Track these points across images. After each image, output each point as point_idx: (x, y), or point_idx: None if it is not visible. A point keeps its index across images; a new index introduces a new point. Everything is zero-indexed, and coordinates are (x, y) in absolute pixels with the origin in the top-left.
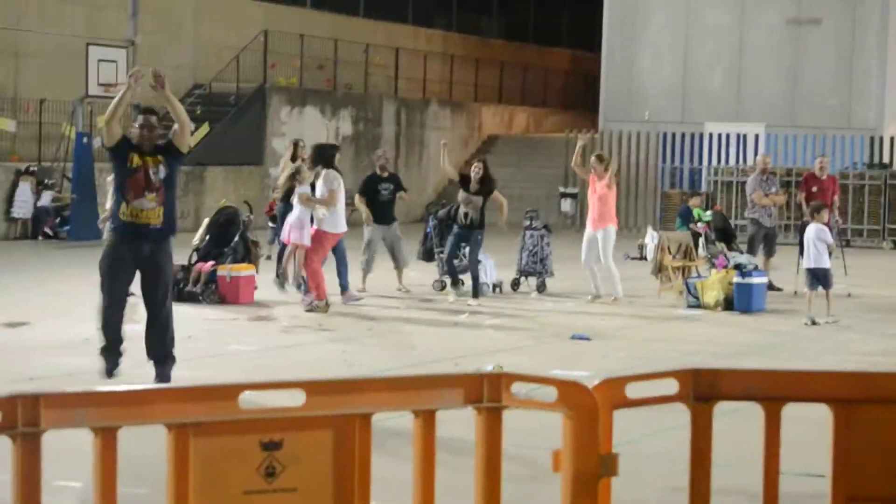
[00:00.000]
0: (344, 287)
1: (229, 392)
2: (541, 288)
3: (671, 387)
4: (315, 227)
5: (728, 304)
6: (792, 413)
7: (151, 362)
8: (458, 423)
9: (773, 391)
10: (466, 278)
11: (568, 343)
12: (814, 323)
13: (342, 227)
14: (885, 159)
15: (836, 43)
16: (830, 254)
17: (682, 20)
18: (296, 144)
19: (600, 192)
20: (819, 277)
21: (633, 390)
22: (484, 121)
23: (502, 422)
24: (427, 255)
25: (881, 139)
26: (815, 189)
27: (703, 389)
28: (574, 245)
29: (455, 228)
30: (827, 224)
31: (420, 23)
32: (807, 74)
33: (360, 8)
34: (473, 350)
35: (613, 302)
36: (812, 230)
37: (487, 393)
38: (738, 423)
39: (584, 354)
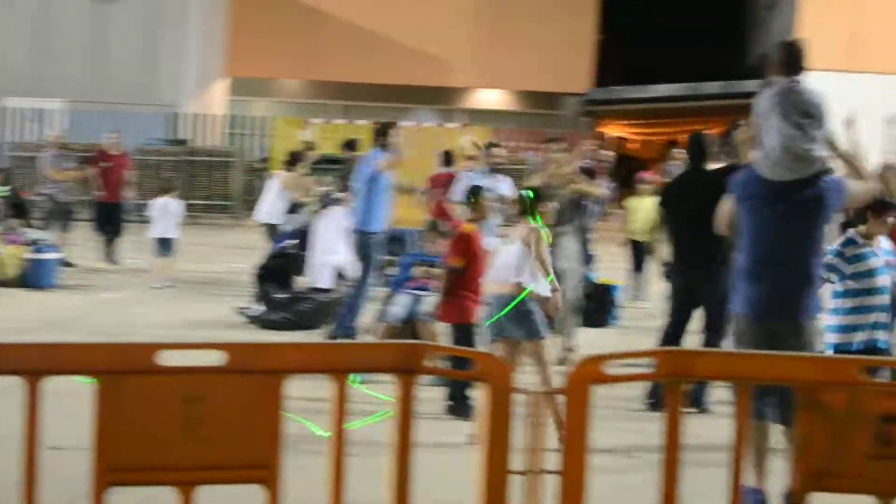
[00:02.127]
0: None
1: None
2: None
3: None
4: None
5: (21, 280)
6: (62, 387)
7: None
8: None
9: (35, 364)
10: None
11: None
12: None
13: None
14: (183, 135)
15: (141, 20)
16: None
17: None
18: None
19: None
20: (163, 245)
21: None
22: None
23: None
24: None
25: (180, 116)
26: (106, 164)
27: None
28: None
29: None
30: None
31: None
32: (111, 51)
33: None
34: None
35: None
36: (161, 203)
37: None
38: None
39: None
